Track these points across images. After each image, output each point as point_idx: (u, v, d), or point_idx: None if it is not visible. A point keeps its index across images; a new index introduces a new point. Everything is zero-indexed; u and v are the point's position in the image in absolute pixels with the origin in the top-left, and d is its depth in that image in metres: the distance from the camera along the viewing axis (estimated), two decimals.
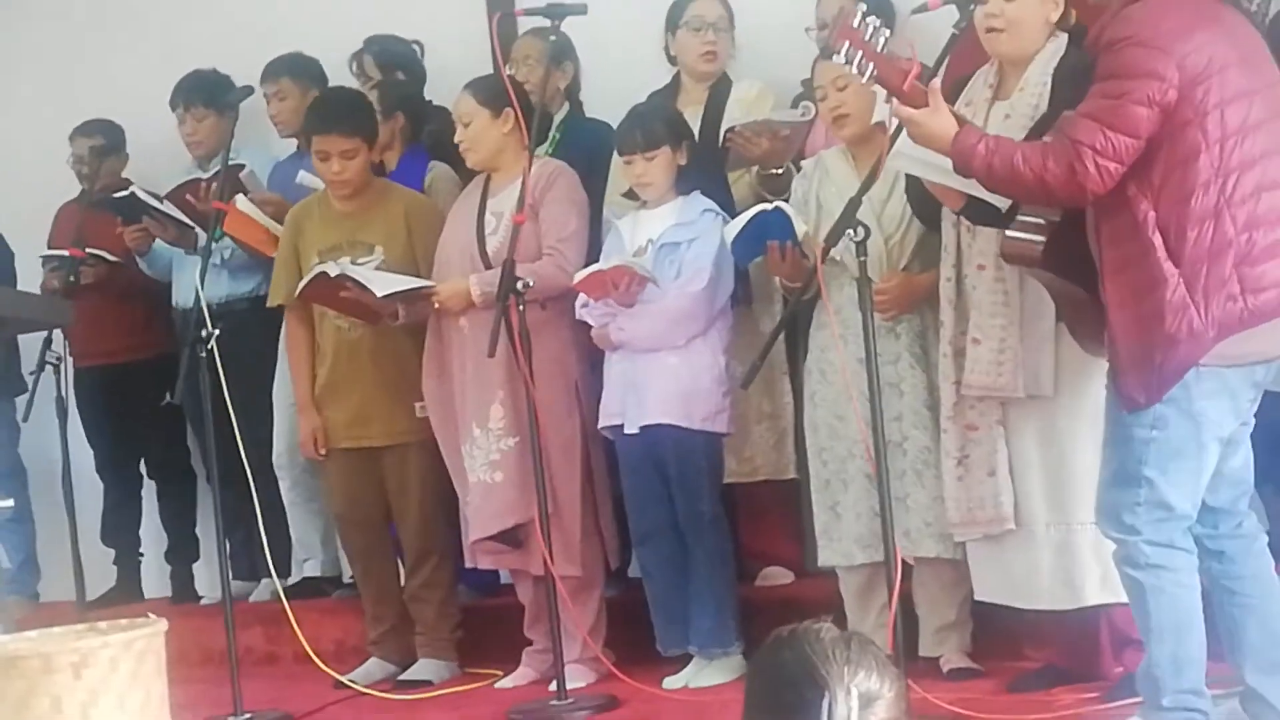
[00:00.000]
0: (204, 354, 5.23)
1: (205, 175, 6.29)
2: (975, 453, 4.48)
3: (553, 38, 5.12)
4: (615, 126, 5.38)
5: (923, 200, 4.53)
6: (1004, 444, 4.44)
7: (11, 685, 4.04)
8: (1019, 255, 4.08)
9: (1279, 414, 4.12)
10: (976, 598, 4.63)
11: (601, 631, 5.38)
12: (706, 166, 5.36)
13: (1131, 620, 4.09)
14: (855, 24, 3.86)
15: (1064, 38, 4.38)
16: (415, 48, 6.48)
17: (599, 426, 5.28)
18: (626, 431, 5.17)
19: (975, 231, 4.38)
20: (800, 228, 4.76)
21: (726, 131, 5.40)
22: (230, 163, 5.83)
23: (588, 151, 5.63)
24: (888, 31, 3.90)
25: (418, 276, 5.44)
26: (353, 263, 5.44)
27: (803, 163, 5.17)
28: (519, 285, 4.94)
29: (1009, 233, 4.06)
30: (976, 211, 4.21)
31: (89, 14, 7.43)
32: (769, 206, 4.79)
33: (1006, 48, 4.40)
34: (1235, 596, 3.93)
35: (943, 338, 4.54)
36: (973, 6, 4.07)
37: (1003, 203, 4.09)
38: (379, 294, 5.28)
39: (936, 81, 3.95)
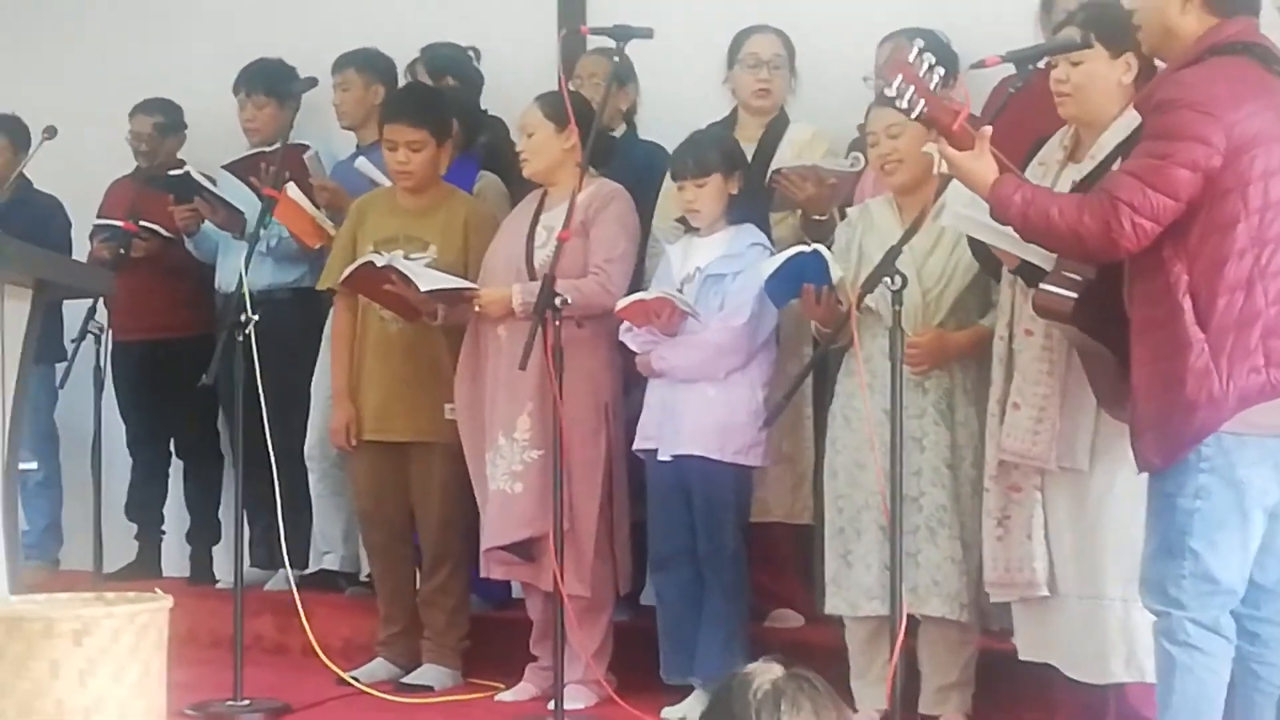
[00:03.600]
0: (241, 338, 5.27)
1: (269, 149, 6.30)
2: (1016, 514, 4.42)
3: (616, 59, 5.11)
4: (670, 151, 5.38)
5: (988, 253, 4.45)
6: (1040, 509, 4.39)
7: (12, 646, 4.02)
8: (1050, 309, 4.04)
9: None
10: (1021, 657, 4.54)
11: (606, 655, 5.36)
12: (753, 203, 5.34)
13: (1142, 699, 4.04)
14: (910, 59, 3.83)
15: None
16: (471, 54, 6.50)
17: (634, 447, 5.27)
18: (660, 458, 5.16)
19: (1028, 294, 4.30)
20: (836, 273, 4.74)
21: (772, 172, 5.39)
22: (293, 144, 5.85)
23: (638, 172, 5.63)
24: (942, 70, 3.85)
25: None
26: (405, 258, 5.44)
27: (848, 210, 5.15)
28: (557, 301, 4.94)
29: (1043, 285, 4.02)
30: (1030, 273, 4.16)
31: None
32: (807, 249, 4.77)
33: (1074, 112, 4.35)
34: (1260, 681, 3.86)
35: (991, 396, 4.47)
36: (1031, 68, 4.04)
37: (1049, 262, 4.04)
38: (422, 289, 5.28)
39: (987, 129, 3.92)
